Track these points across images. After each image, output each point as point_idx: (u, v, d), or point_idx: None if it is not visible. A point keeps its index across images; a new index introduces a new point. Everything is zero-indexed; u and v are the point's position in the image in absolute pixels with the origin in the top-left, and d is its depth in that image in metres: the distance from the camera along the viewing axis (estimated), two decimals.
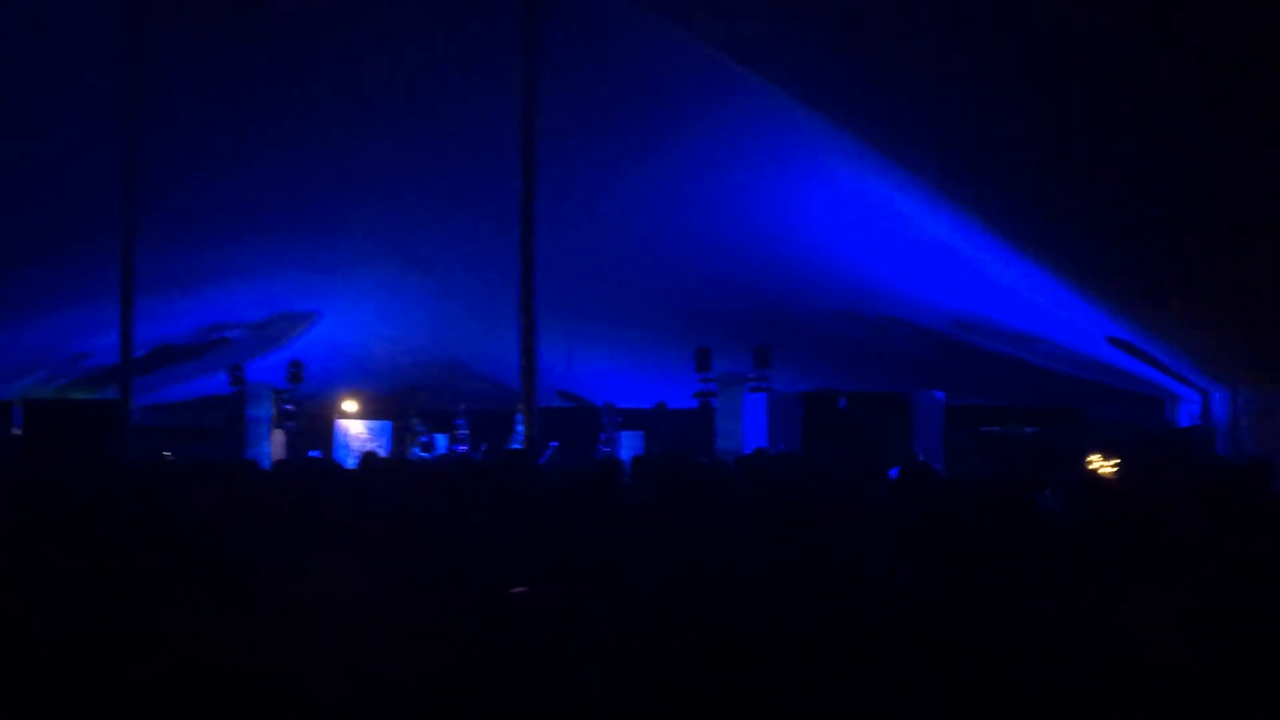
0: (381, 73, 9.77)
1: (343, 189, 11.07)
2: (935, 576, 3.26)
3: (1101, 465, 9.22)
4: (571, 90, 9.74)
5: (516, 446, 11.12)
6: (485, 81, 9.91)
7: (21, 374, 13.13)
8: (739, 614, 2.84)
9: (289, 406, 13.08)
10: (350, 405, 13.71)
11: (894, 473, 7.00)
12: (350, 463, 11.20)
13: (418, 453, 12.85)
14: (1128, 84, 6.52)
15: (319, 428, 13.30)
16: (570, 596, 3.18)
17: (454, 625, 2.95)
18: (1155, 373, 11.21)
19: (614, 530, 4.05)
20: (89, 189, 10.17)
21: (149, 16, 9.15)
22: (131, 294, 10.53)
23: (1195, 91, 6.26)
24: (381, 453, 11.65)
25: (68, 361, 13.41)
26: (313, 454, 12.58)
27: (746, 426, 11.96)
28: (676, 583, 3.20)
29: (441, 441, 13.11)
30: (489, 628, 2.96)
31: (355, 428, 13.39)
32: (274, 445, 12.88)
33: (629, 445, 12.48)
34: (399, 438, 13.23)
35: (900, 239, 10.70)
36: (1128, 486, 6.08)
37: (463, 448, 12.84)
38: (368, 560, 3.50)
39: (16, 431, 11.66)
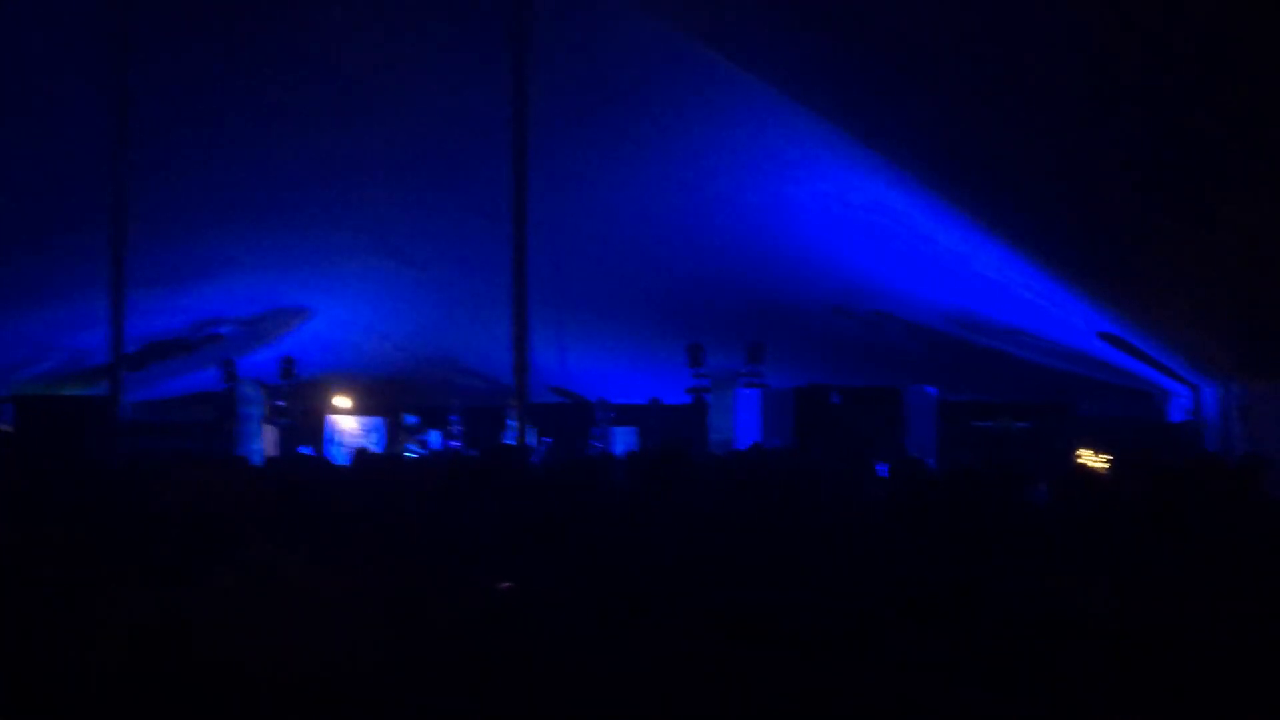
0: (373, 68, 9.74)
1: (336, 184, 11.03)
2: (933, 567, 3.28)
3: (1092, 460, 9.27)
4: (563, 85, 9.72)
5: (510, 442, 11.12)
6: (477, 77, 9.89)
7: (11, 370, 13.06)
8: (737, 607, 2.85)
9: (281, 403, 13.06)
10: (343, 401, 13.69)
11: (882, 469, 7.01)
12: (342, 459, 11.19)
13: (413, 449, 12.84)
14: (1119, 80, 6.54)
15: (311, 424, 13.29)
16: (565, 591, 3.18)
17: (448, 620, 2.95)
18: (1146, 368, 11.25)
19: (608, 525, 4.05)
20: (79, 182, 10.11)
21: (139, 8, 9.10)
22: (122, 289, 10.46)
23: (1186, 89, 6.29)
24: (374, 449, 11.64)
25: (58, 357, 13.35)
26: (304, 450, 12.58)
27: (739, 422, 11.98)
28: (672, 576, 3.20)
29: (435, 438, 13.10)
30: (483, 622, 2.97)
31: (348, 424, 13.37)
32: (265, 441, 12.86)
33: (622, 441, 12.50)
34: (392, 434, 13.22)
35: (892, 235, 10.72)
36: (1117, 481, 6.11)
37: (456, 444, 12.84)
38: (359, 555, 3.50)
39: (6, 428, 11.61)
